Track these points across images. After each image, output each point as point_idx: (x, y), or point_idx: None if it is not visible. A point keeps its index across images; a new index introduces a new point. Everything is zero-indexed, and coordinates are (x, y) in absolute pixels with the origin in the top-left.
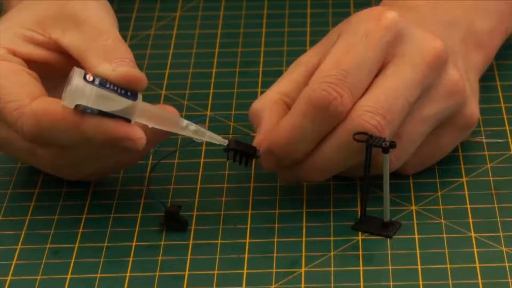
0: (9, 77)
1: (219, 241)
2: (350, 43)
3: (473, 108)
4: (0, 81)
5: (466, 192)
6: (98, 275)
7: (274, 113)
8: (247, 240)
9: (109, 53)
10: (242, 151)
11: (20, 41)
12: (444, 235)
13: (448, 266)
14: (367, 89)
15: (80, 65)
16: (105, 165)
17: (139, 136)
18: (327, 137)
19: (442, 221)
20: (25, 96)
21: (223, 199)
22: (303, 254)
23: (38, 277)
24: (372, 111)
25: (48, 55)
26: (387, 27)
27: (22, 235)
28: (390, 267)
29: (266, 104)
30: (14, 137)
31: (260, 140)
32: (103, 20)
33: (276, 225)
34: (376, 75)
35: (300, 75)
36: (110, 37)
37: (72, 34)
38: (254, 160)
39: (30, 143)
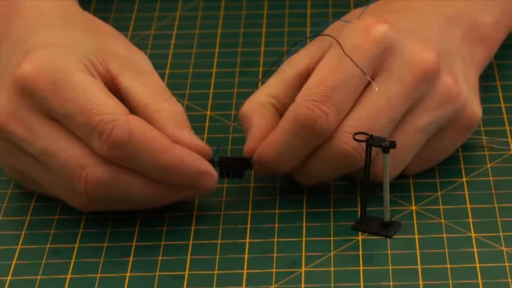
0: (103, 91)
1: (219, 241)
2: (337, 58)
3: (475, 108)
4: (99, 94)
5: (466, 192)
6: (98, 275)
7: (263, 118)
8: (247, 240)
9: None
10: (234, 167)
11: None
12: (444, 235)
13: (448, 266)
14: (354, 104)
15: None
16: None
17: (215, 174)
18: (315, 152)
19: (442, 221)
20: (121, 109)
21: (223, 199)
22: (303, 254)
23: (38, 277)
24: (352, 132)
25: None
26: (375, 41)
27: (22, 235)
28: (390, 267)
29: (255, 108)
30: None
31: (250, 147)
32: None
33: (276, 225)
34: (365, 88)
35: (289, 77)
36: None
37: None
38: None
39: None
